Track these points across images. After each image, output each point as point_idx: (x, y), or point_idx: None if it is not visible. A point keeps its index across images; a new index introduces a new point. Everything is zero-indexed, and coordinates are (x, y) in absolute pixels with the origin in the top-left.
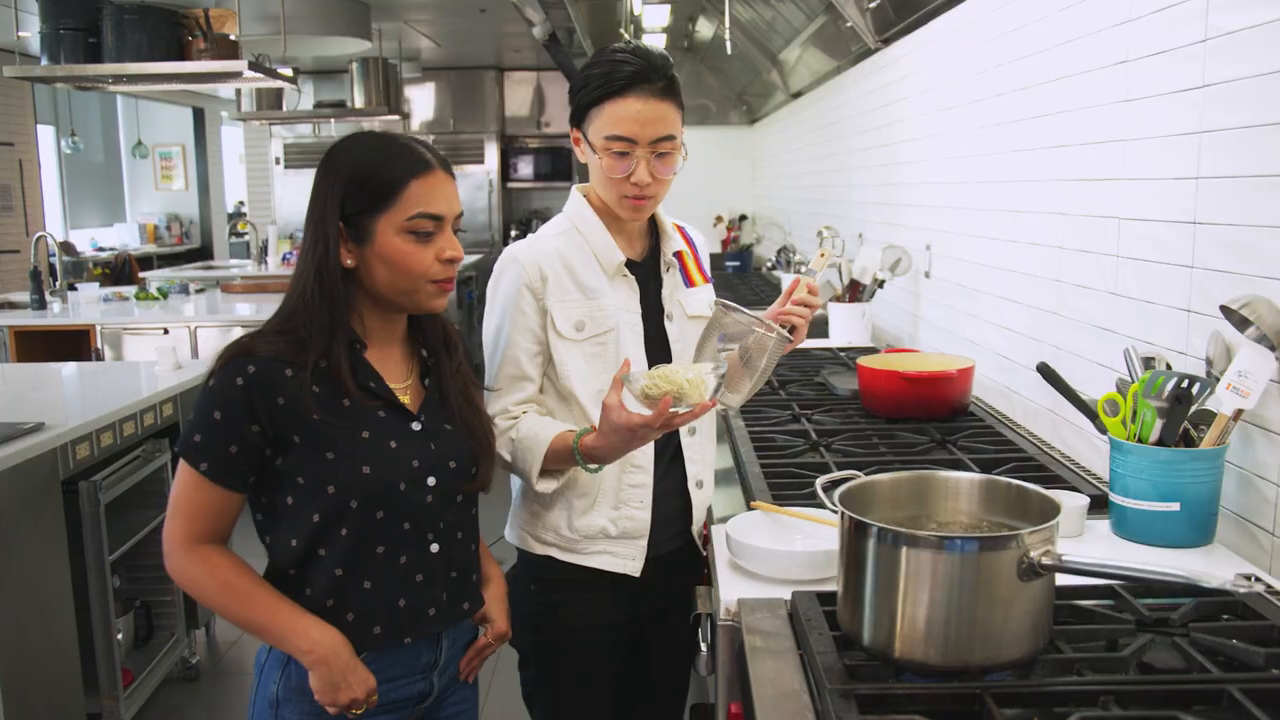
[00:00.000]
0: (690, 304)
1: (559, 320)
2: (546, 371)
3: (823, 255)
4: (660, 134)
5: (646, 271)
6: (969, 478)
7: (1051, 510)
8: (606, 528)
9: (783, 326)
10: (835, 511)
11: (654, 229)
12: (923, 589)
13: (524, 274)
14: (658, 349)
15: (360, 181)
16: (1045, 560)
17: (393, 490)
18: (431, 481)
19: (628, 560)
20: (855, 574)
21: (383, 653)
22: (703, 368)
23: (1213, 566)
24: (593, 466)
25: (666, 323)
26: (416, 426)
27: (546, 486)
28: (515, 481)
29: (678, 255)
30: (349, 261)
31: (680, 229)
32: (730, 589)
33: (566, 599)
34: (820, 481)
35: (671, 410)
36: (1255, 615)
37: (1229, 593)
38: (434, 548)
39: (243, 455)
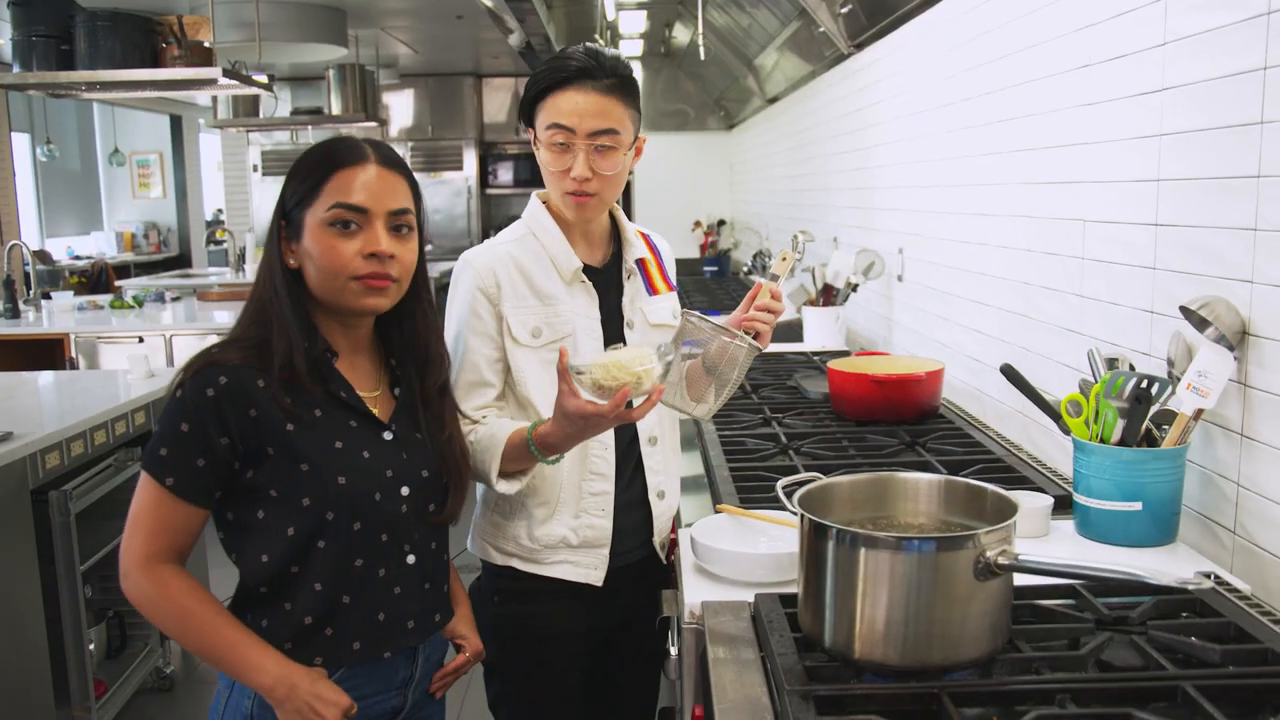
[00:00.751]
0: (653, 312)
1: (514, 326)
2: (507, 378)
3: (784, 259)
4: (599, 126)
5: (607, 278)
6: (928, 479)
7: (1009, 510)
8: (567, 536)
9: (746, 333)
10: (795, 514)
11: (617, 236)
12: (881, 590)
13: (478, 279)
14: None
15: (295, 177)
16: (1002, 560)
17: (368, 501)
18: (405, 491)
19: (590, 570)
20: (815, 575)
21: (360, 669)
22: (647, 353)
23: (1175, 565)
24: (551, 459)
25: (626, 330)
26: (388, 436)
27: (508, 488)
28: (478, 491)
29: (640, 263)
30: (291, 261)
31: (645, 236)
32: (695, 592)
33: (529, 609)
34: (781, 484)
35: (629, 403)
36: (1213, 612)
37: (1180, 590)
38: (410, 559)
39: (210, 469)
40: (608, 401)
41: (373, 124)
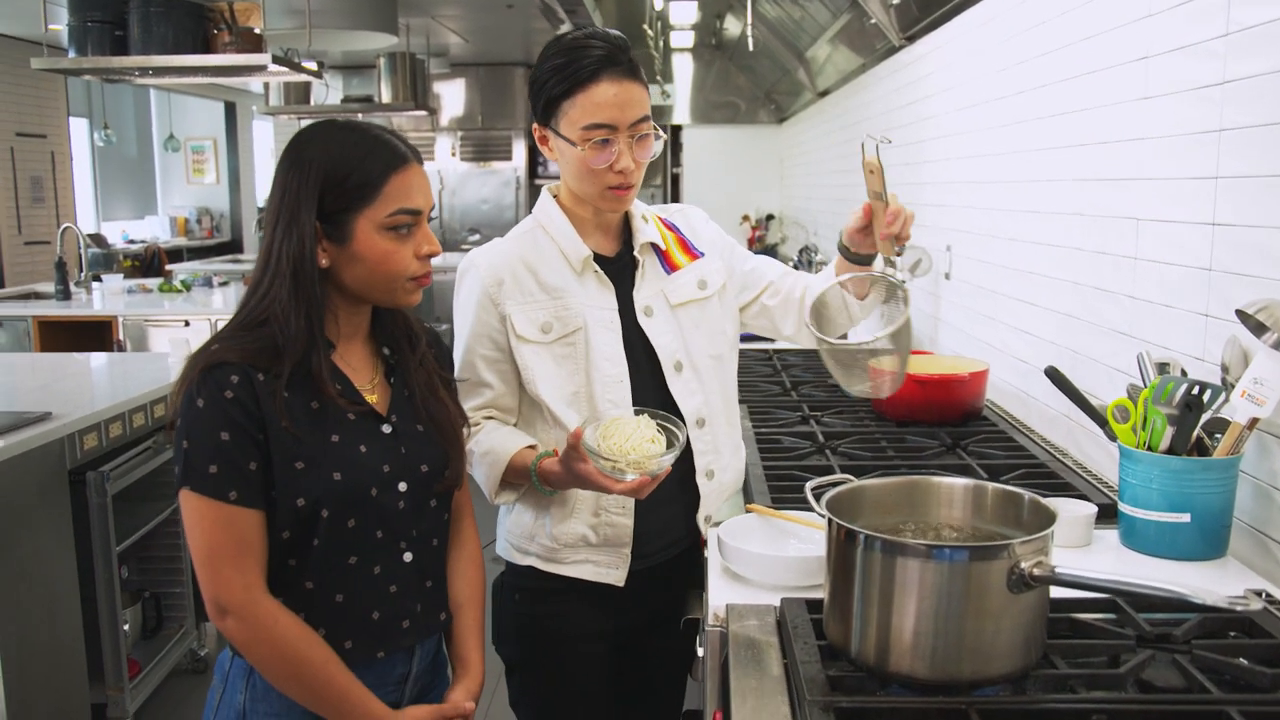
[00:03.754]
0: (674, 291)
1: (520, 324)
2: (518, 379)
3: (871, 171)
4: (638, 115)
5: (621, 266)
6: (962, 483)
7: (1047, 519)
8: (587, 535)
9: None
10: (823, 517)
11: (627, 223)
12: (910, 599)
13: (480, 279)
14: (637, 347)
15: (339, 178)
16: (1037, 572)
17: (364, 496)
18: (403, 487)
19: (610, 570)
20: (841, 582)
21: (354, 667)
22: (656, 432)
23: (1224, 581)
24: (548, 490)
25: (644, 318)
26: (387, 429)
27: (504, 500)
28: None
29: (653, 247)
30: (324, 261)
31: (661, 218)
32: (720, 593)
33: (550, 609)
34: (810, 486)
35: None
36: (1263, 633)
37: (1223, 610)
38: (407, 556)
39: (261, 469)
40: (620, 485)
41: (422, 113)
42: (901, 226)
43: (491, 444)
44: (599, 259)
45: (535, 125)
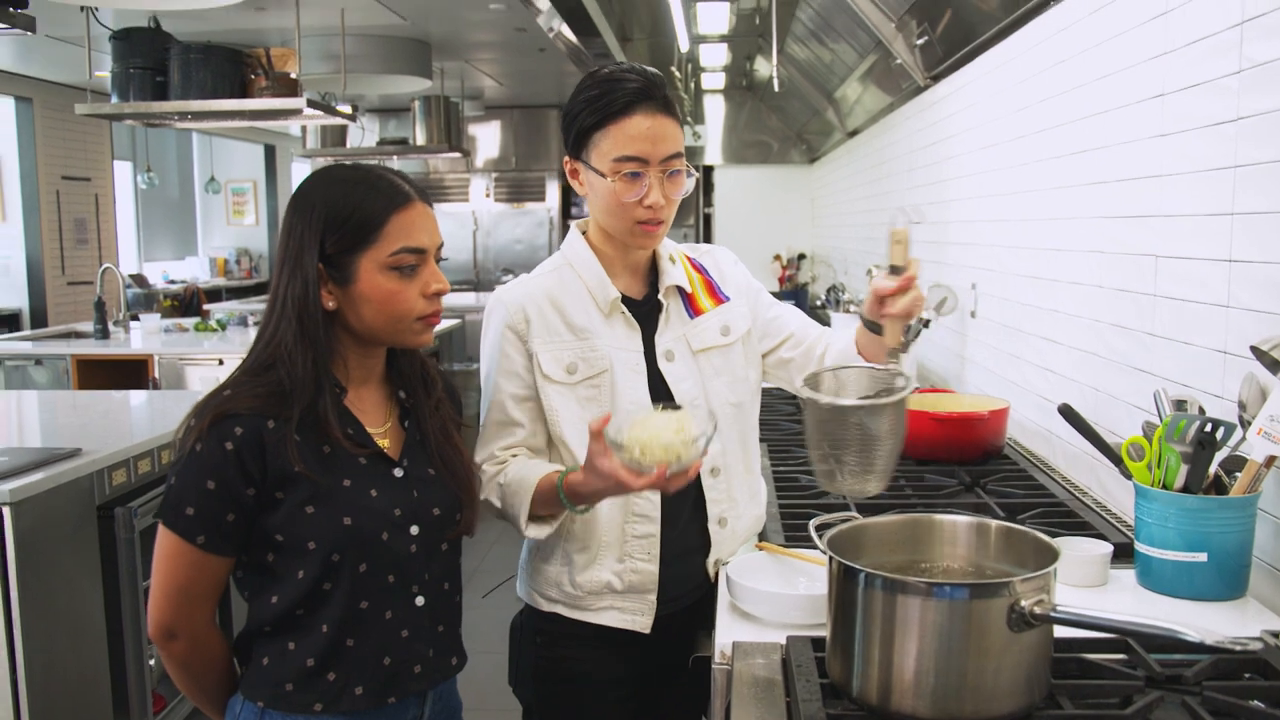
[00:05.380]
0: (696, 336)
1: (546, 363)
2: (542, 418)
3: (898, 241)
4: (670, 151)
5: (649, 309)
6: (965, 521)
7: (1049, 557)
8: (612, 582)
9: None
10: (825, 554)
11: (654, 264)
12: (910, 638)
13: (508, 317)
14: (659, 392)
15: (341, 219)
16: (1038, 610)
17: (375, 541)
18: (415, 530)
19: (636, 616)
20: (843, 621)
21: (364, 712)
22: (687, 422)
23: (1242, 621)
24: (580, 508)
25: (664, 363)
26: (399, 473)
27: (537, 532)
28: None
29: (678, 290)
30: (330, 304)
31: (690, 259)
32: (728, 631)
33: (572, 654)
34: (813, 523)
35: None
36: (1278, 675)
37: (1222, 649)
38: (419, 601)
39: (240, 521)
40: (642, 478)
41: (457, 155)
42: (910, 303)
43: (519, 473)
44: (626, 300)
45: (566, 159)
